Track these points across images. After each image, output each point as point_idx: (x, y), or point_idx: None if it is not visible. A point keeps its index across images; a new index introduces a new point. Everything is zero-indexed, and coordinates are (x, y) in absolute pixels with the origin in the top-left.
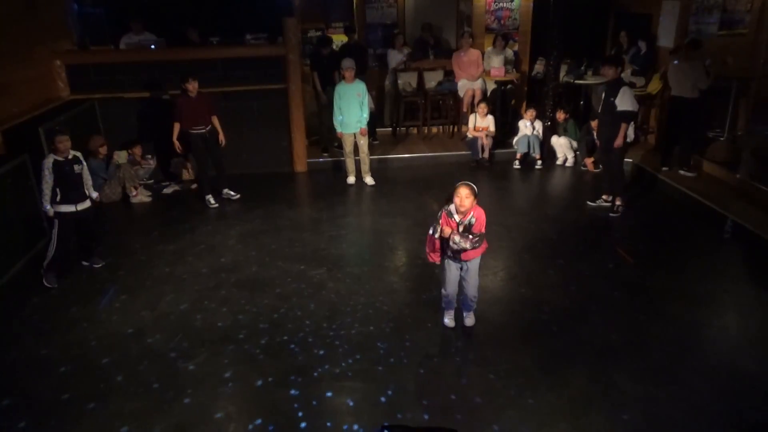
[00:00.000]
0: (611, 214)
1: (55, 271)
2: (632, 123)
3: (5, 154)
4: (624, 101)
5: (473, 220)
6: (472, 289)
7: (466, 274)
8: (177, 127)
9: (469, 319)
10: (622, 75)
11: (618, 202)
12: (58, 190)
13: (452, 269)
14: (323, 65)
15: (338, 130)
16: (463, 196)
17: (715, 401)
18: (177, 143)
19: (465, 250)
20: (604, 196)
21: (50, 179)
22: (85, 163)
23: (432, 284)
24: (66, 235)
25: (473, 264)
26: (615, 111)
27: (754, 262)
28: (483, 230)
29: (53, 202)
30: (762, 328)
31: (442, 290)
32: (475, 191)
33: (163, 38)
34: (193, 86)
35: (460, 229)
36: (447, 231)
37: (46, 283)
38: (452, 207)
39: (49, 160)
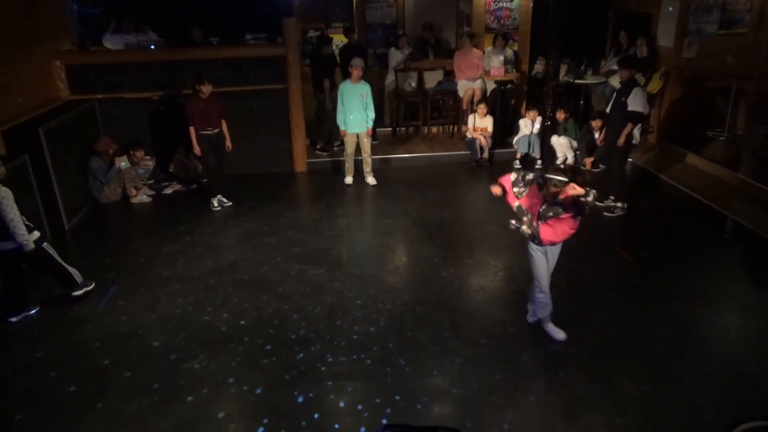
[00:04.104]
0: (606, 214)
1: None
2: (639, 125)
3: (5, 154)
4: (635, 102)
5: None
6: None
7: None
8: (192, 131)
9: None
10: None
11: (618, 204)
12: None
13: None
14: (320, 66)
15: (342, 128)
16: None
17: (715, 401)
18: (196, 146)
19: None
20: (612, 196)
21: None
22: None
23: (432, 284)
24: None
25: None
26: (625, 111)
27: (754, 261)
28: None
29: None
30: (762, 328)
31: None
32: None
33: (163, 38)
34: (206, 88)
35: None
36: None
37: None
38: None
39: None
